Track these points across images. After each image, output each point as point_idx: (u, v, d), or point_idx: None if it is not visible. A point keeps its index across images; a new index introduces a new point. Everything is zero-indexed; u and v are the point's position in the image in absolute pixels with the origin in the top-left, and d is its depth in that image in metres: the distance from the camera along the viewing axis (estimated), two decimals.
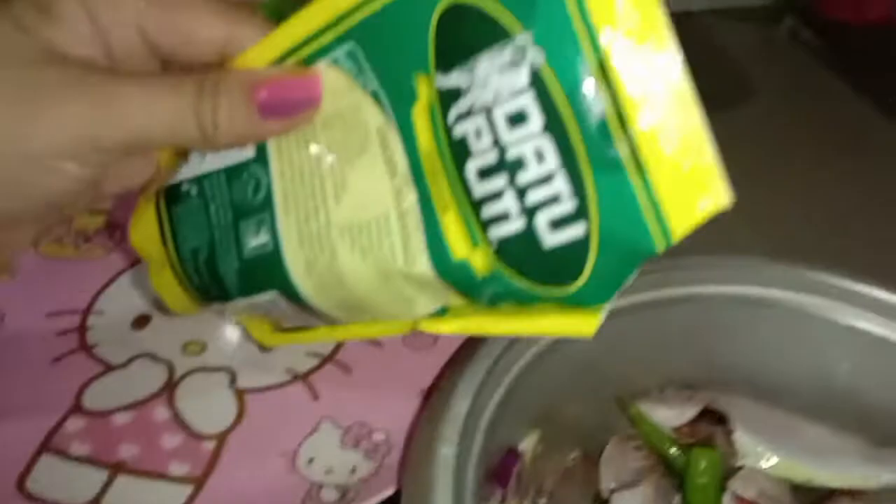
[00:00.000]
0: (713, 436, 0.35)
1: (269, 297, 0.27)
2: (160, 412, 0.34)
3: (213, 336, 0.38)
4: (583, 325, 0.23)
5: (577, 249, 0.22)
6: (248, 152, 0.26)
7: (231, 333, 0.38)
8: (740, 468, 0.34)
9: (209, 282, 0.29)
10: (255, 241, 0.26)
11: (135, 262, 0.41)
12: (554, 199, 0.22)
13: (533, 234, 0.22)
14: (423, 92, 0.23)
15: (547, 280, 0.23)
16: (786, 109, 0.71)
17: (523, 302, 0.24)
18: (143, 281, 0.41)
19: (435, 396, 0.30)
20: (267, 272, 0.26)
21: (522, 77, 0.21)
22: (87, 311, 0.39)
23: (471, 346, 0.31)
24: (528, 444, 0.33)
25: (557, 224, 0.22)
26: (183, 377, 0.36)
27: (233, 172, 0.27)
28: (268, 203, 0.26)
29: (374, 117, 0.24)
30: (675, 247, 0.21)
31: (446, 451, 0.27)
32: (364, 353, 0.37)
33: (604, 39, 0.20)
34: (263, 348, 0.37)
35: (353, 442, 0.33)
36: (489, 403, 0.29)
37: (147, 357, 0.37)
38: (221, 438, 0.33)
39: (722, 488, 0.33)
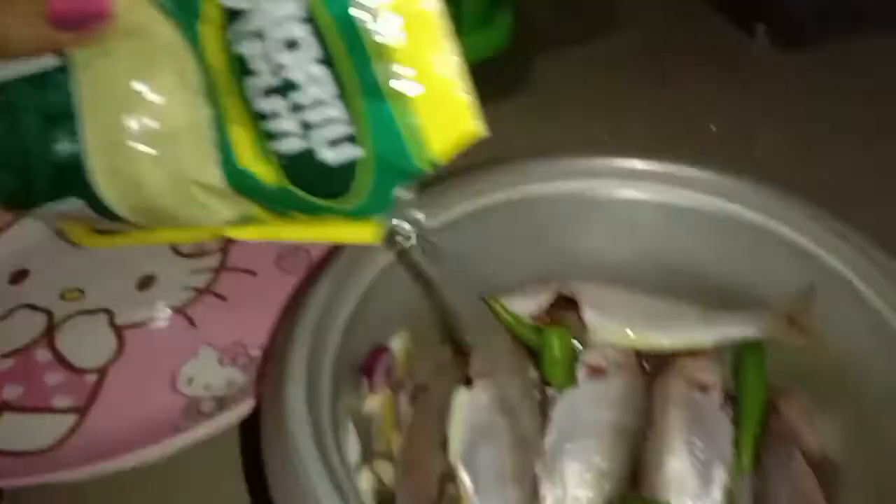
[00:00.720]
0: (566, 318, 0.38)
1: (75, 205, 0.28)
2: (41, 354, 0.35)
3: (90, 282, 0.39)
4: (366, 233, 0.27)
5: (353, 168, 0.25)
6: (51, 61, 0.27)
7: (109, 278, 0.39)
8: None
9: (20, 186, 0.29)
10: (63, 148, 0.27)
11: (9, 224, 0.42)
12: (330, 122, 0.24)
13: (313, 152, 0.25)
14: (210, 10, 0.25)
15: (329, 194, 0.26)
16: (656, 34, 0.74)
17: (313, 213, 0.27)
18: (18, 240, 0.42)
19: (292, 299, 0.32)
20: (73, 179, 0.28)
21: (296, 7, 0.23)
22: None
23: (332, 255, 0.33)
24: (398, 343, 0.36)
25: (334, 144, 0.25)
26: (63, 321, 0.37)
27: (37, 81, 0.27)
28: (73, 112, 0.27)
29: (167, 32, 0.26)
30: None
31: (298, 349, 0.29)
32: (239, 282, 0.39)
33: None
34: (142, 287, 0.39)
35: (230, 360, 0.35)
36: (346, 303, 0.32)
37: (26, 308, 0.38)
38: (103, 371, 0.35)
39: (576, 361, 0.36)
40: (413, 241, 0.29)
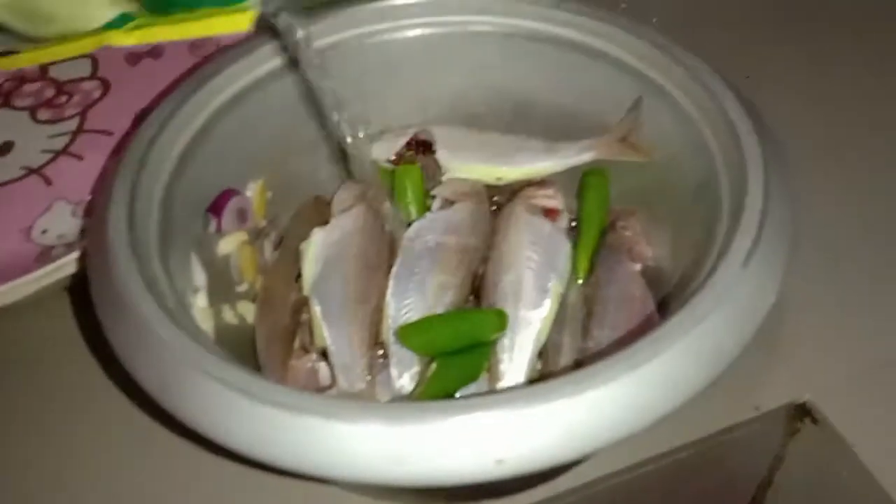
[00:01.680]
0: (423, 161, 0.39)
1: None
2: None
3: None
4: (238, 22, 0.30)
5: None
6: None
7: None
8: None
9: None
10: None
11: None
12: None
13: None
14: None
15: None
16: None
17: (191, 7, 0.29)
18: None
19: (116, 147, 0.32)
20: None
21: None
22: None
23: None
24: (253, 189, 0.37)
25: None
26: None
27: None
28: None
29: None
30: None
31: (120, 185, 0.29)
32: (96, 143, 0.39)
33: None
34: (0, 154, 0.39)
35: (83, 213, 0.36)
36: (178, 139, 0.32)
37: None
38: None
39: (432, 197, 0.38)
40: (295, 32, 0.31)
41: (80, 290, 0.28)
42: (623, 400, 0.22)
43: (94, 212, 0.29)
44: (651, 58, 0.34)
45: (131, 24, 0.30)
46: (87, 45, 0.32)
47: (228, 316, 0.34)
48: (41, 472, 0.32)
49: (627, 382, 0.22)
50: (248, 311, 0.36)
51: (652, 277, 0.35)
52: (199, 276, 0.32)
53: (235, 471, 0.29)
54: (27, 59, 0.34)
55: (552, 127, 0.39)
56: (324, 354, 0.33)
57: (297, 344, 0.35)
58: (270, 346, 0.33)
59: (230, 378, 0.23)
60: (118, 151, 0.32)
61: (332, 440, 0.21)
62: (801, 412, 0.35)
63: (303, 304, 0.35)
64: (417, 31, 0.39)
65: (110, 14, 0.30)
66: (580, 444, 0.21)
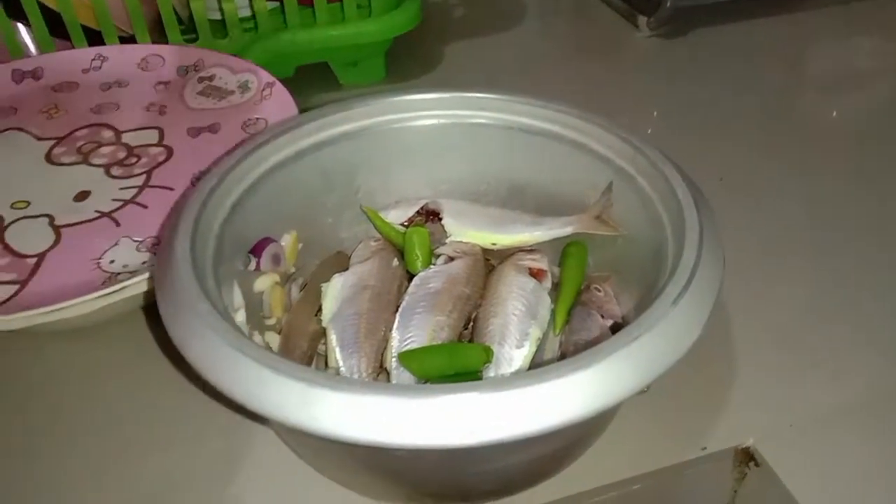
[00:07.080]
0: (432, 227, 0.47)
1: None
2: None
3: (36, 196, 0.47)
4: None
5: None
6: None
7: (51, 193, 0.47)
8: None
9: None
10: None
11: None
12: None
13: None
14: None
15: None
16: (556, 25, 0.85)
17: None
18: None
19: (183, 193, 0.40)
20: None
21: None
22: None
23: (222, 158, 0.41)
24: (287, 240, 0.44)
25: None
26: (11, 223, 0.45)
27: None
28: None
29: None
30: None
31: (186, 220, 0.36)
32: (159, 196, 0.47)
33: None
34: (78, 199, 0.47)
35: (146, 248, 0.43)
36: (232, 192, 0.40)
37: None
38: (41, 255, 0.43)
39: (433, 256, 0.45)
40: None
41: (153, 308, 0.34)
42: (564, 395, 0.28)
43: (163, 239, 0.36)
44: (620, 149, 0.42)
45: None
46: None
47: (257, 341, 0.40)
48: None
49: (569, 382, 0.28)
50: (273, 340, 0.42)
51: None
52: (239, 300, 0.38)
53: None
54: None
55: (540, 204, 0.46)
56: None
57: None
58: None
59: (262, 357, 0.29)
60: (180, 202, 0.39)
61: (334, 406, 0.27)
62: (746, 456, 0.40)
63: (320, 335, 0.41)
64: (432, 121, 0.47)
65: None
66: (529, 426, 0.27)
